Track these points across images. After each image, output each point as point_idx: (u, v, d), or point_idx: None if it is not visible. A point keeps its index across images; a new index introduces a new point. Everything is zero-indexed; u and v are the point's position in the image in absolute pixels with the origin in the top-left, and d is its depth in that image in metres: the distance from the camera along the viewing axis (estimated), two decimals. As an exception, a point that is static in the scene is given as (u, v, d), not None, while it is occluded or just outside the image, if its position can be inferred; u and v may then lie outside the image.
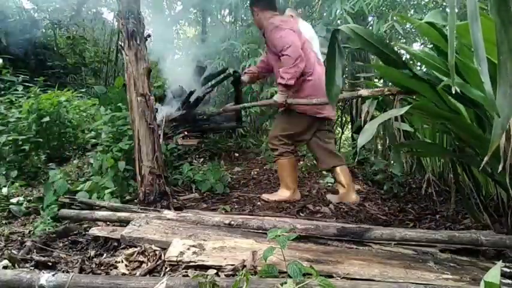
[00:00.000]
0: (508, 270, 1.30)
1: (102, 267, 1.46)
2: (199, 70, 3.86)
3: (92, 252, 1.62)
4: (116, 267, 1.43)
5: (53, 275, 1.18)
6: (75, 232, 1.95)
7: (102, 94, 4.66)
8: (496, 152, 1.15)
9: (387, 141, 2.99)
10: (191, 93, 3.62)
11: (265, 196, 2.58)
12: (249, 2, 3.07)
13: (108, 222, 1.93)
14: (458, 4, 3.52)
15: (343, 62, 1.62)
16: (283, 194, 2.56)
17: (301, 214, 2.29)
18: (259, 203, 2.52)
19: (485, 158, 1.07)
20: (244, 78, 2.89)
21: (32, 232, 1.95)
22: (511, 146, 1.14)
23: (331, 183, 3.00)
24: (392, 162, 3.20)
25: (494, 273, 0.79)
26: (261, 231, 1.63)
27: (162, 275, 1.32)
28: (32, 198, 2.48)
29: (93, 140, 3.34)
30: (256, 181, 3.12)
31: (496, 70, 0.97)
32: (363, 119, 1.70)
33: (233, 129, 4.48)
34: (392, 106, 1.68)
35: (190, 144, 3.67)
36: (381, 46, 1.54)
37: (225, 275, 1.27)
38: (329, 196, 2.62)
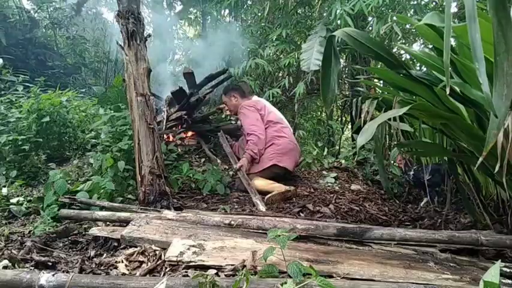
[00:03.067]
0: (507, 270, 1.30)
1: (102, 267, 1.46)
2: (188, 77, 3.82)
3: (92, 252, 1.62)
4: (116, 267, 1.43)
5: (53, 275, 1.18)
6: (75, 232, 1.95)
7: (101, 94, 4.65)
8: (496, 151, 1.16)
9: (387, 141, 2.99)
10: (191, 94, 3.62)
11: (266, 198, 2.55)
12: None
13: (108, 222, 1.93)
14: (458, 4, 3.52)
15: (339, 67, 1.62)
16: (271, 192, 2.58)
17: (301, 214, 2.29)
18: (259, 203, 2.52)
19: (480, 158, 1.08)
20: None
21: (32, 232, 1.95)
22: (509, 145, 1.14)
23: (331, 183, 3.00)
24: (392, 162, 3.20)
25: (493, 273, 0.79)
26: (261, 231, 1.63)
27: (162, 275, 1.32)
28: (32, 198, 2.47)
29: (93, 140, 3.33)
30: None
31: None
32: (362, 119, 1.70)
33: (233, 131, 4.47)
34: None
35: (190, 144, 3.67)
36: (378, 49, 1.54)
37: (225, 275, 1.27)
38: None
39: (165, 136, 3.53)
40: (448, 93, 1.06)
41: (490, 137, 1.06)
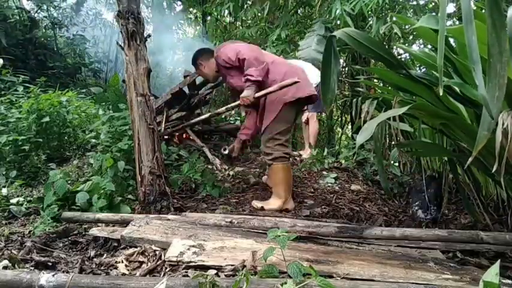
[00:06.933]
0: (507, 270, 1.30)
1: (102, 268, 1.46)
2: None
3: (92, 253, 1.62)
4: (116, 268, 1.43)
5: (53, 275, 1.18)
6: (75, 232, 1.95)
7: (99, 93, 4.65)
8: (495, 150, 1.16)
9: (387, 141, 2.99)
10: (191, 95, 3.62)
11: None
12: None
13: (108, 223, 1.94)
14: (456, 5, 3.53)
15: (339, 67, 1.62)
16: (274, 203, 2.34)
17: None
18: (259, 203, 2.52)
19: (470, 159, 1.08)
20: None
21: (32, 232, 1.95)
22: (508, 144, 1.14)
23: (331, 183, 3.00)
24: (392, 162, 3.20)
25: (493, 273, 0.79)
26: (261, 231, 1.63)
27: (162, 275, 1.32)
28: (32, 198, 2.47)
29: (93, 140, 3.33)
30: (257, 182, 3.11)
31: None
32: (362, 119, 1.70)
33: (233, 131, 4.46)
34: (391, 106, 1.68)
35: (190, 144, 3.67)
36: (378, 49, 1.54)
37: (225, 275, 1.27)
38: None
39: (165, 137, 3.53)
40: (441, 94, 1.07)
41: (481, 137, 1.07)
